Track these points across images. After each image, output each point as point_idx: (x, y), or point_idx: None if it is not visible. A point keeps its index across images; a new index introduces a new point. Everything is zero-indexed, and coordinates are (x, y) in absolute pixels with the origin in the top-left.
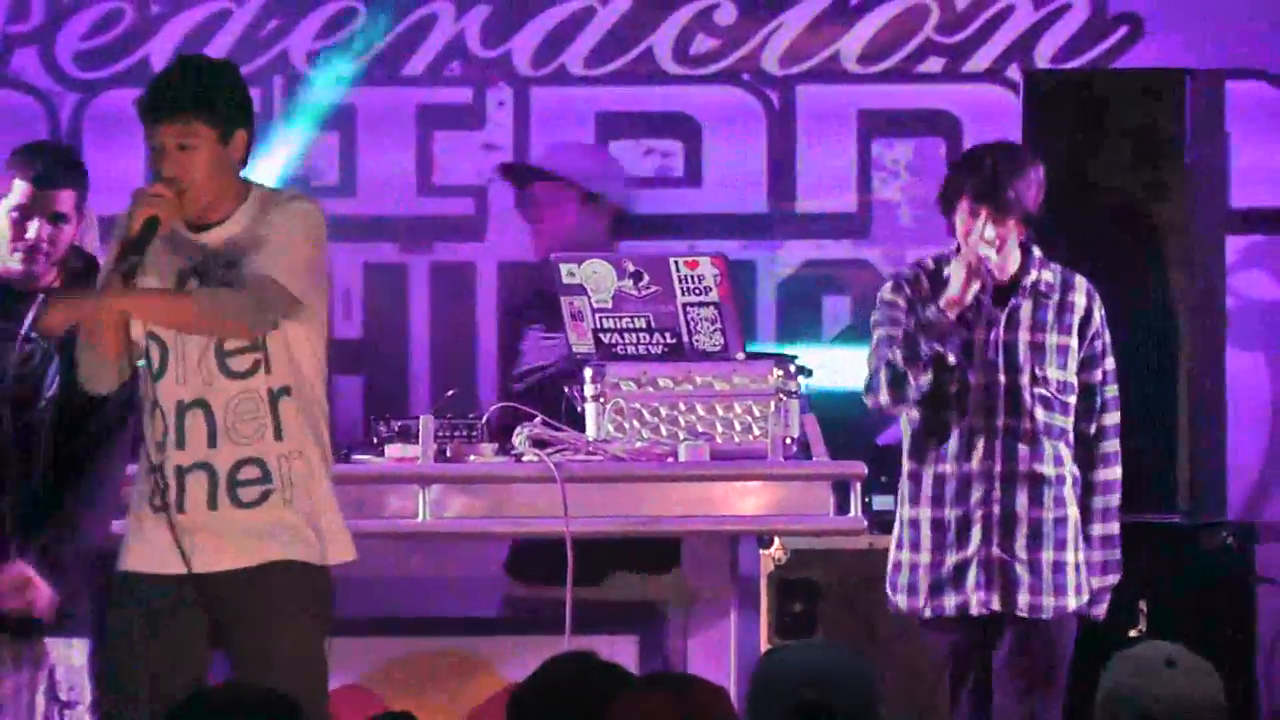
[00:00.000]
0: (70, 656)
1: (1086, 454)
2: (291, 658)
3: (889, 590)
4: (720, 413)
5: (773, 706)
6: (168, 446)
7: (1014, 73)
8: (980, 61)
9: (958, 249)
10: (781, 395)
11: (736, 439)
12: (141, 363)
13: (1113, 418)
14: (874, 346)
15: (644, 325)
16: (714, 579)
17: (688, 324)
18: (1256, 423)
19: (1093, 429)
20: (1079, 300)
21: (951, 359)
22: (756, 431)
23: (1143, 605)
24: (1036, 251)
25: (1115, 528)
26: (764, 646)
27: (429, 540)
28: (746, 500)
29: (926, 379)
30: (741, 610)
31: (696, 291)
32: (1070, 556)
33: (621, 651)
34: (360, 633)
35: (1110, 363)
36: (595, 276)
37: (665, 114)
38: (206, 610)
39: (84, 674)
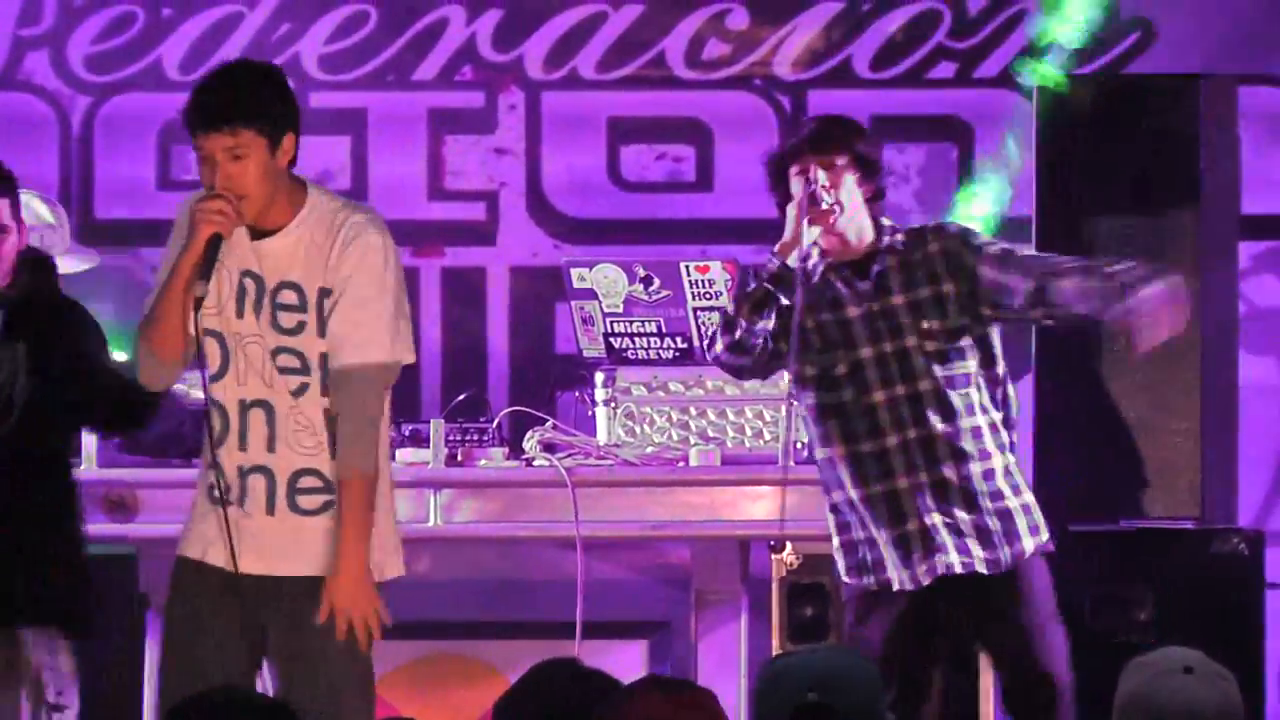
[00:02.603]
0: (58, 663)
1: (1042, 288)
2: (339, 671)
3: (843, 575)
4: (731, 417)
5: (777, 710)
6: (228, 445)
7: (1026, 79)
8: (991, 67)
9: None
10: (792, 400)
11: (747, 444)
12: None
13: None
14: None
15: (655, 330)
16: (725, 584)
17: (699, 328)
18: (1268, 428)
19: (1032, 285)
20: (933, 246)
21: (784, 300)
22: (767, 436)
23: (1152, 606)
24: (887, 221)
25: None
26: (775, 651)
27: (439, 545)
28: (757, 505)
29: (762, 323)
30: (753, 615)
31: (708, 296)
32: (1012, 502)
33: (631, 657)
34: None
35: (996, 245)
36: (606, 281)
37: (677, 119)
38: (255, 607)
39: (73, 680)
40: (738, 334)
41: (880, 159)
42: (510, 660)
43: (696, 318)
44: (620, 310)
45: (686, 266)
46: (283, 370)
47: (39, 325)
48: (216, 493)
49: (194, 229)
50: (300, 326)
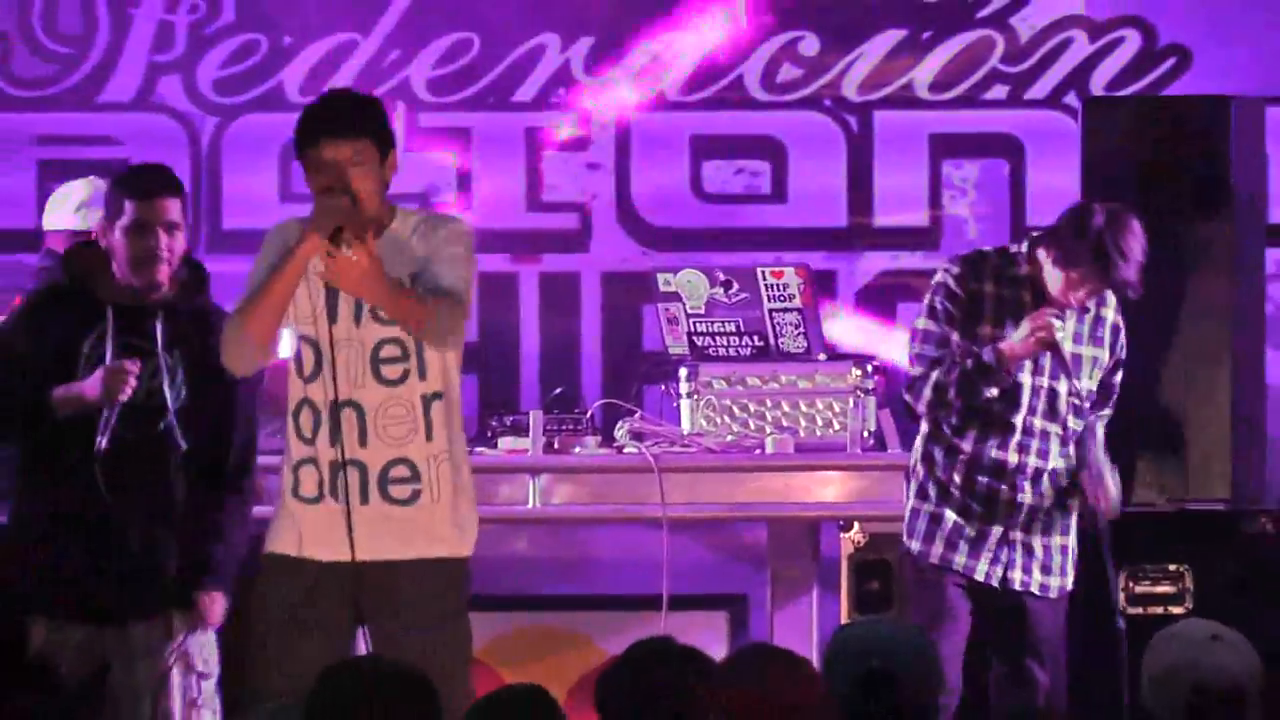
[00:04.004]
0: (203, 635)
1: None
2: (435, 646)
3: (905, 535)
4: (804, 408)
5: (844, 675)
6: (319, 443)
7: (1072, 99)
8: (1041, 89)
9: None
10: (859, 392)
11: (818, 433)
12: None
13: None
14: (922, 338)
15: (734, 329)
16: (798, 561)
17: (774, 328)
18: None
19: (1104, 413)
20: (1109, 315)
21: (994, 392)
22: (837, 426)
23: (1189, 582)
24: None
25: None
26: (843, 621)
27: (537, 525)
28: (828, 489)
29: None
30: (823, 589)
31: (782, 299)
32: (1071, 541)
33: (713, 628)
34: (474, 609)
35: (1120, 369)
36: (689, 285)
37: (754, 137)
38: (351, 595)
39: (215, 649)
40: (951, 411)
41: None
42: (602, 631)
43: (771, 318)
44: (702, 311)
45: (762, 271)
46: (386, 361)
47: (195, 332)
48: (307, 490)
49: (314, 224)
50: None
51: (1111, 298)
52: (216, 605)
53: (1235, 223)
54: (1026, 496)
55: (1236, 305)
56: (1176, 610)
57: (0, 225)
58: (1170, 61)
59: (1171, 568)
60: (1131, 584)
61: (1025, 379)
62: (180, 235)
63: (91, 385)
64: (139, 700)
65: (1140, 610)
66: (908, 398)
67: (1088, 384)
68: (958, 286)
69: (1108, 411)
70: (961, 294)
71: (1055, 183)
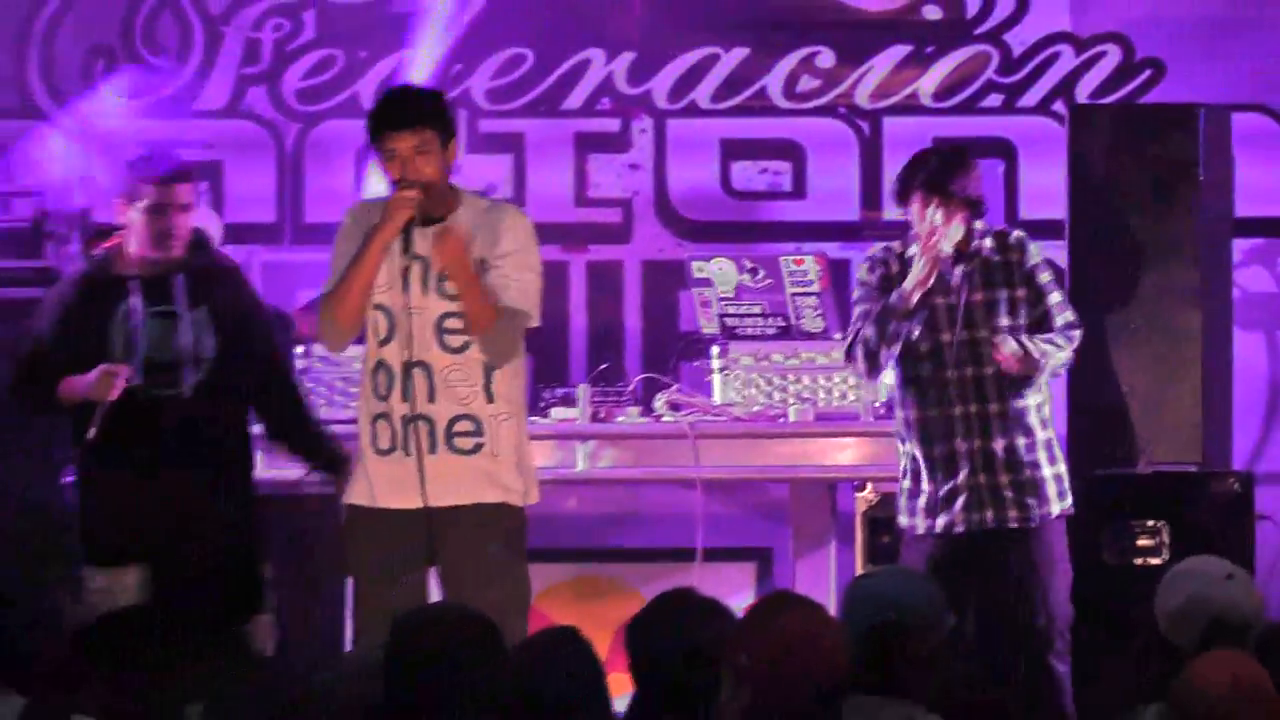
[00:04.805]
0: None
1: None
2: (497, 581)
3: (897, 514)
4: (822, 381)
5: (859, 623)
6: (392, 399)
7: (1060, 107)
8: (1032, 98)
9: (916, 236)
10: None
11: (835, 403)
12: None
13: (1063, 318)
14: (853, 319)
15: (760, 311)
16: (817, 517)
17: (795, 310)
18: (1258, 390)
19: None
20: (1015, 257)
21: (915, 333)
22: (851, 397)
23: (1165, 535)
24: (979, 224)
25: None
26: (858, 572)
27: (585, 486)
28: (844, 453)
29: (896, 348)
30: (840, 542)
31: (802, 284)
32: (1046, 471)
33: (741, 577)
34: (530, 561)
35: (1056, 294)
36: (720, 272)
37: (776, 140)
38: (423, 538)
39: (271, 587)
40: (880, 361)
41: (982, 193)
42: (643, 580)
43: (793, 301)
44: (732, 295)
45: (785, 260)
46: (449, 331)
47: (214, 288)
48: (384, 443)
49: (389, 215)
50: None
51: (1014, 239)
52: None
53: (1204, 216)
54: (976, 442)
55: (1206, 289)
56: (1154, 561)
57: (110, 219)
58: (1147, 73)
59: (1150, 523)
60: (1115, 538)
61: (944, 335)
62: (191, 216)
63: (85, 384)
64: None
65: (1122, 560)
66: (848, 367)
67: (1008, 321)
68: (869, 274)
69: (1060, 324)
70: (874, 280)
71: (1044, 181)
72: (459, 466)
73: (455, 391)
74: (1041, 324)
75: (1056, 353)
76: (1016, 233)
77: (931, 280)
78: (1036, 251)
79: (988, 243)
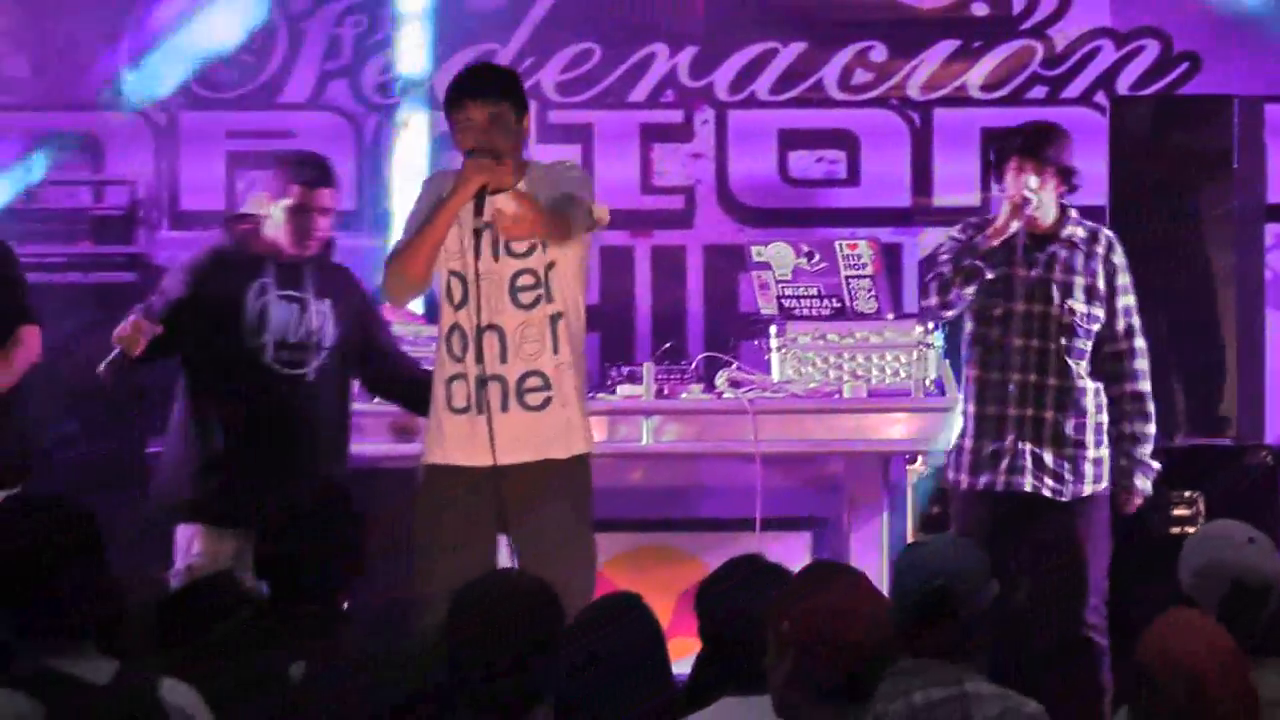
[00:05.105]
0: None
1: (1115, 370)
2: (567, 545)
3: (948, 467)
4: (875, 360)
5: (910, 589)
6: (467, 361)
7: (1101, 99)
8: (1075, 89)
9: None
10: (922, 346)
11: (888, 380)
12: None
13: (1131, 343)
14: (931, 262)
15: (816, 293)
16: (871, 488)
17: (850, 292)
18: None
19: (1118, 348)
20: (1101, 250)
21: (990, 275)
22: (903, 374)
23: (1201, 504)
24: (1073, 212)
25: (1144, 429)
26: (909, 540)
27: (650, 459)
28: (896, 427)
29: (969, 290)
30: (892, 512)
31: (856, 267)
32: (1090, 453)
33: (798, 545)
34: (597, 530)
35: (1130, 299)
36: (778, 256)
37: (832, 130)
38: (496, 494)
39: None
40: (950, 296)
41: (1075, 165)
42: (705, 549)
43: (848, 283)
44: (789, 278)
45: (840, 244)
46: (521, 289)
47: (338, 284)
48: (459, 402)
49: (464, 180)
50: (531, 250)
51: (1104, 235)
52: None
53: (1237, 202)
54: (1029, 410)
55: (1240, 272)
56: (1191, 530)
57: (196, 207)
58: (1184, 66)
59: (1187, 494)
60: (1154, 509)
61: (1018, 306)
62: (329, 220)
63: (119, 327)
64: None
65: (1160, 530)
66: (921, 301)
67: (1081, 306)
68: (959, 232)
69: (1125, 348)
70: (961, 236)
71: (1086, 168)
72: (530, 422)
73: (525, 350)
74: (1115, 339)
75: (1147, 444)
76: (1109, 232)
77: (1009, 232)
78: (1123, 257)
79: (1080, 231)
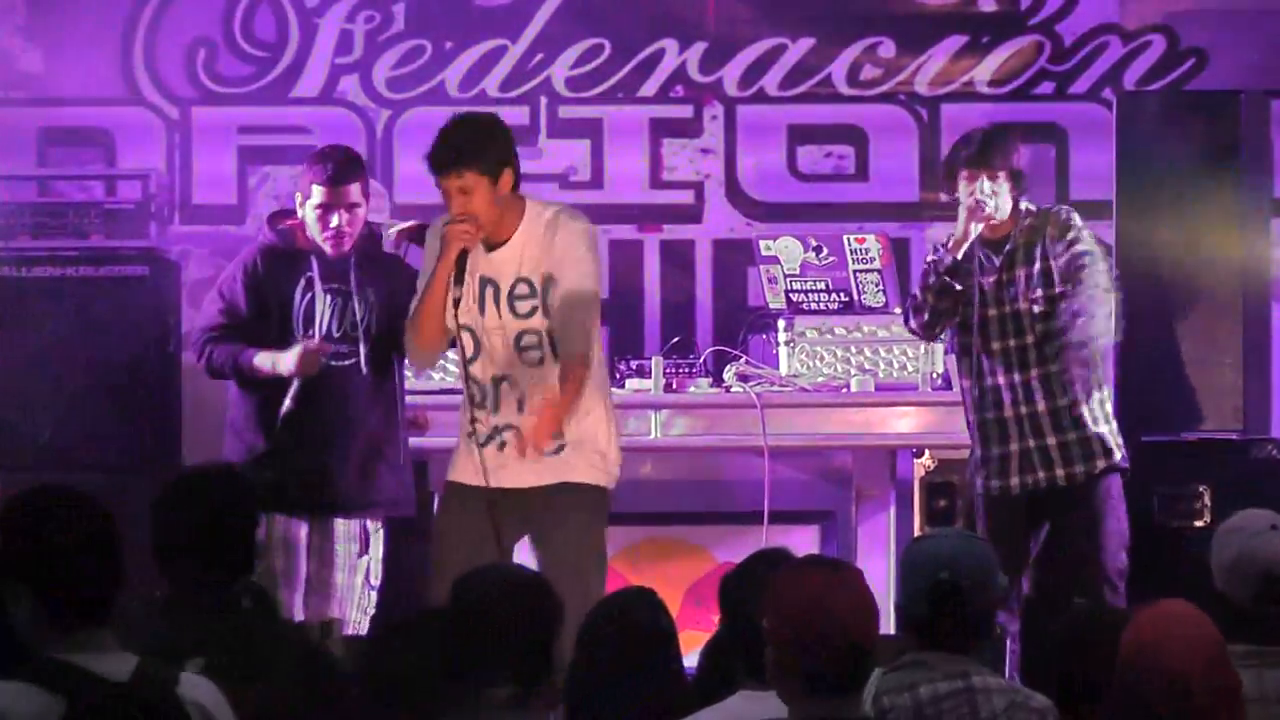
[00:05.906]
0: (378, 549)
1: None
2: (581, 554)
3: (970, 475)
4: (883, 354)
5: (916, 582)
6: (485, 408)
7: (1108, 94)
8: (1082, 85)
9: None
10: (930, 341)
11: (895, 374)
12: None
13: (1072, 286)
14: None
15: (824, 287)
16: (878, 482)
17: (857, 286)
18: None
19: (1063, 290)
20: (1052, 230)
21: (958, 286)
22: (910, 368)
23: (1208, 499)
24: (1028, 206)
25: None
26: (916, 534)
27: (659, 453)
28: (903, 421)
29: (944, 306)
30: (899, 506)
31: (864, 261)
32: (1091, 430)
33: (805, 538)
34: (608, 524)
35: (1078, 247)
36: (786, 250)
37: (840, 125)
38: (506, 511)
39: (381, 564)
40: (925, 315)
41: (1025, 166)
42: (714, 542)
43: (855, 278)
44: (797, 272)
45: (848, 239)
46: (525, 348)
47: (380, 276)
48: (478, 437)
49: (445, 247)
50: (533, 311)
51: (1048, 214)
52: None
53: (1244, 196)
54: (1022, 408)
55: (1246, 266)
56: (1198, 524)
57: (208, 201)
58: (1190, 62)
59: (1194, 487)
60: (1161, 502)
61: (990, 310)
62: (360, 212)
63: (288, 362)
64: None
65: (1167, 523)
66: (907, 326)
67: (1045, 291)
68: (934, 250)
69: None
70: (938, 253)
71: (1094, 163)
72: (544, 463)
73: (538, 402)
74: (1067, 280)
75: (1090, 323)
76: (1058, 206)
77: (970, 236)
78: (1079, 221)
79: (1028, 221)
